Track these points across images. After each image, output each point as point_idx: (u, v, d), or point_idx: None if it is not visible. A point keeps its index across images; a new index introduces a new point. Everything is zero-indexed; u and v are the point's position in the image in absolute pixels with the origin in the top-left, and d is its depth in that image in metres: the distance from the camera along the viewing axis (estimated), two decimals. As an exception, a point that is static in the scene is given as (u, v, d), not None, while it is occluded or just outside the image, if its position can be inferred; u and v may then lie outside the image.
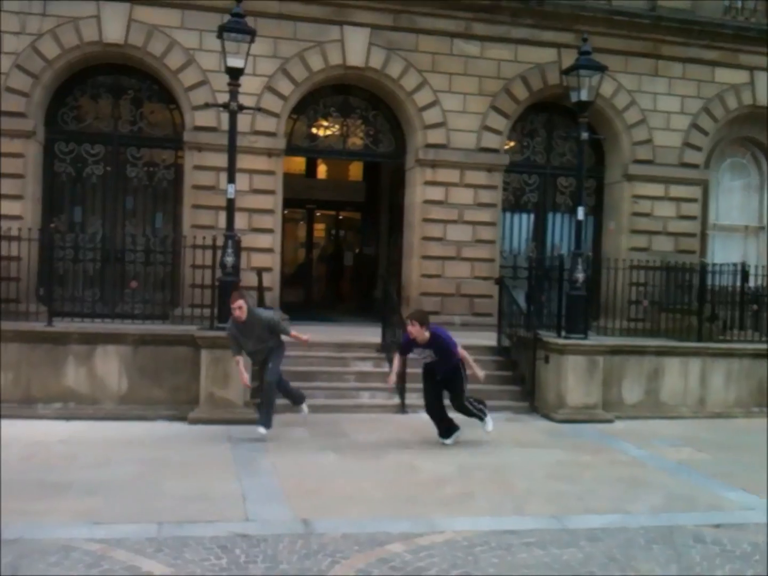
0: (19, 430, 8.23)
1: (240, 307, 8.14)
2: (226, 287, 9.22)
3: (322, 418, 9.09)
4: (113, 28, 12.08)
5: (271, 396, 8.38)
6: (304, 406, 8.87)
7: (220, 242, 9.86)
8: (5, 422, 8.43)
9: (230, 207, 9.85)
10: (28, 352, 8.97)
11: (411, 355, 8.75)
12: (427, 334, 8.13)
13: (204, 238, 10.38)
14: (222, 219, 10.74)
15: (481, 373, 8.36)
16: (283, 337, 8.59)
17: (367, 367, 10.02)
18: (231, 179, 9.84)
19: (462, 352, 8.35)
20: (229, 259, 9.51)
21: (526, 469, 7.50)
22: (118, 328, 9.65)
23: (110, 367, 9.15)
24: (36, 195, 12.12)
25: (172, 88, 12.56)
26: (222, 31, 9.71)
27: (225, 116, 10.57)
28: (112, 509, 5.80)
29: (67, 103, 12.63)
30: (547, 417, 10.11)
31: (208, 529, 5.42)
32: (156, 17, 12.23)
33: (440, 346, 8.20)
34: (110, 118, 12.75)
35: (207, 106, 11.58)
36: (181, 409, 8.94)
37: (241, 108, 10.06)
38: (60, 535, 5.21)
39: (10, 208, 11.64)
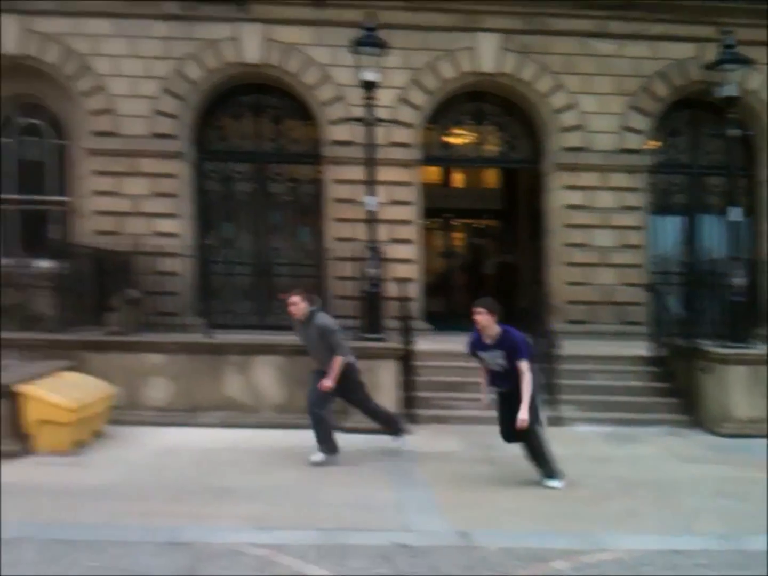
0: (186, 437, 8.60)
1: (294, 303, 7.59)
2: (372, 298, 9.33)
3: (473, 429, 8.94)
4: (251, 49, 12.61)
5: (318, 425, 7.64)
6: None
7: (362, 254, 9.99)
8: (174, 429, 8.88)
9: (371, 219, 9.97)
10: (190, 363, 9.32)
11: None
12: (497, 328, 6.63)
13: (345, 250, 10.56)
14: (362, 231, 10.87)
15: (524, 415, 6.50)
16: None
17: (513, 377, 9.86)
18: (370, 191, 9.95)
19: (529, 374, 6.52)
20: (373, 271, 9.61)
21: (692, 485, 7.09)
22: (272, 339, 9.87)
23: (267, 377, 9.37)
24: (189, 213, 12.77)
25: (309, 104, 12.93)
26: (355, 45, 9.85)
27: (361, 130, 10.71)
28: (275, 515, 5.94)
29: (212, 123, 13.23)
30: (710, 431, 9.46)
31: (369, 537, 5.45)
32: (291, 36, 12.64)
33: (512, 346, 6.59)
34: (253, 136, 13.25)
35: (344, 120, 11.87)
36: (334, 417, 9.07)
37: (377, 121, 10.16)
38: (229, 539, 5.38)
39: (166, 225, 12.36)
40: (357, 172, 11.50)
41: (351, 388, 7.74)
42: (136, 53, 12.53)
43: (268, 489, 6.54)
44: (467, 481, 7.08)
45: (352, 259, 10.26)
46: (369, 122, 9.95)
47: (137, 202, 12.48)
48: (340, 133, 12.58)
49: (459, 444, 8.57)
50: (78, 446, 7.86)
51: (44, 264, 11.52)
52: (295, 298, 7.61)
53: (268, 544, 5.28)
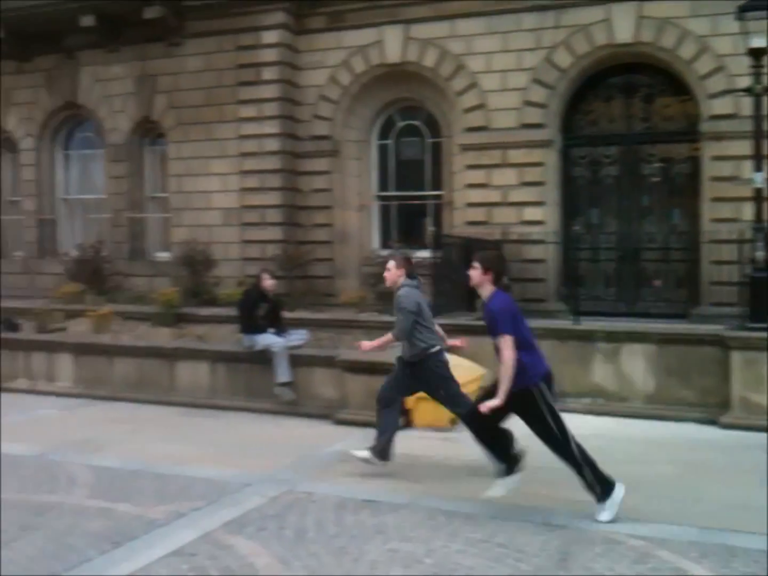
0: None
1: (387, 269, 6.56)
2: (758, 284, 8.51)
3: None
4: (623, 29, 12.18)
5: (381, 421, 6.69)
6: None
7: (745, 235, 9.19)
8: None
9: (758, 197, 9.13)
10: (557, 349, 9.31)
11: None
12: (489, 288, 5.43)
13: (724, 231, 9.79)
14: (745, 211, 10.00)
15: (491, 402, 5.29)
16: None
17: None
18: (758, 167, 9.14)
19: (508, 354, 5.25)
20: (760, 253, 8.79)
21: None
22: (642, 326, 9.56)
23: (635, 365, 9.08)
24: (555, 200, 12.82)
25: (684, 79, 12.15)
26: (742, 11, 9.10)
27: (745, 101, 9.92)
28: (651, 508, 5.74)
29: (580, 108, 13.06)
30: None
31: (753, 540, 5.05)
32: (665, 10, 11.98)
33: (488, 315, 5.39)
34: (622, 118, 12.83)
35: (726, 92, 10.99)
36: (710, 411, 8.50)
37: (766, 90, 9.24)
38: (604, 527, 5.33)
39: (532, 213, 12.57)
40: (741, 147, 10.58)
41: (435, 383, 6.71)
42: (507, 48, 12.83)
43: (642, 480, 6.31)
44: None
45: (734, 241, 9.46)
46: (756, 92, 9.13)
47: (505, 192, 12.84)
48: (721, 106, 11.63)
49: None
50: (453, 423, 8.33)
51: (421, 254, 12.48)
52: (390, 263, 6.59)
53: (645, 536, 5.15)
